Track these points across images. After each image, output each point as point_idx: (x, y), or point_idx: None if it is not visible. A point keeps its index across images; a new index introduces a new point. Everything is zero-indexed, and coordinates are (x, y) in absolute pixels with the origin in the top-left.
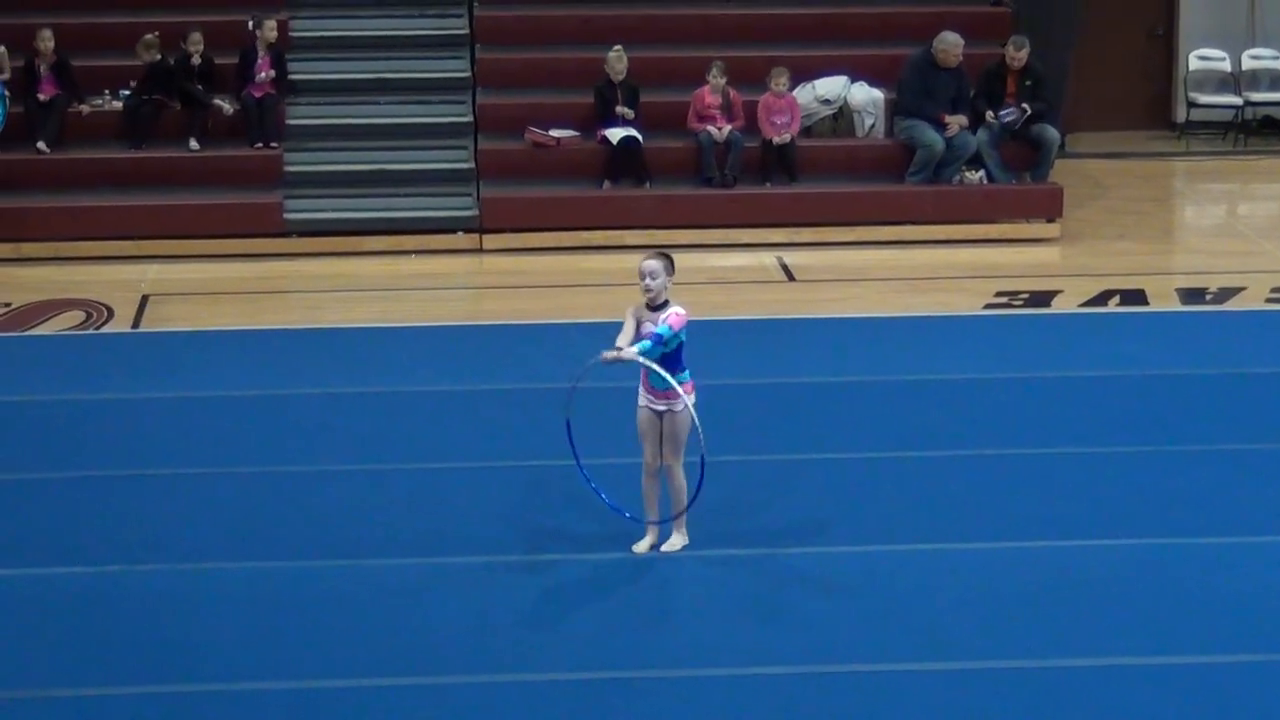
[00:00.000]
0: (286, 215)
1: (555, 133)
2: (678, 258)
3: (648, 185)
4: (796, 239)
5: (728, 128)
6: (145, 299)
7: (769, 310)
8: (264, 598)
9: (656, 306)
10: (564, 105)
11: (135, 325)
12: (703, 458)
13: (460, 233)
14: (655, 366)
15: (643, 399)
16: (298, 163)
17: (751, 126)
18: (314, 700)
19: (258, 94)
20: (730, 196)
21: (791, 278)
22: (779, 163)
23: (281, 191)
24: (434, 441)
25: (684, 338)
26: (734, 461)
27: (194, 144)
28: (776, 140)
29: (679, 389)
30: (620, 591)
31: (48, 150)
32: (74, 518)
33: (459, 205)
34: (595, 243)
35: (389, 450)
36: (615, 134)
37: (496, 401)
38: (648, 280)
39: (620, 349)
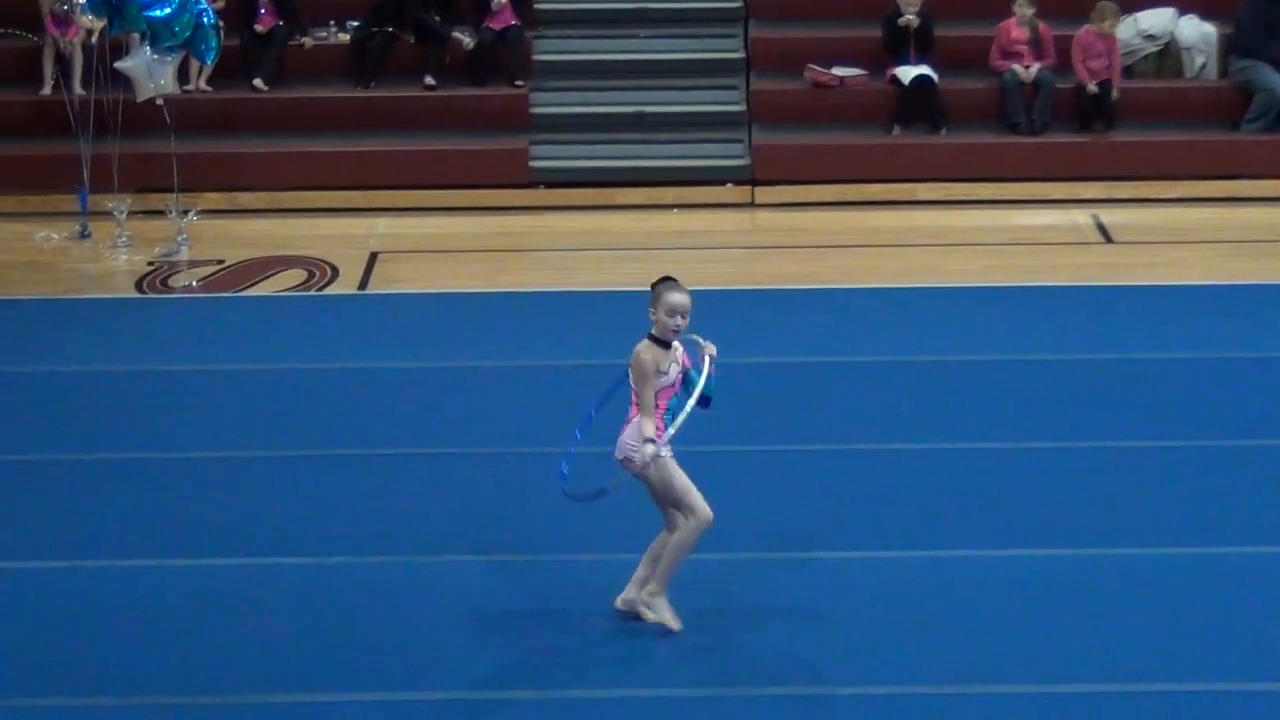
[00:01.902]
0: (533, 163)
1: (838, 71)
2: (977, 214)
3: (943, 132)
4: (1114, 195)
5: (1036, 66)
6: (374, 256)
7: (1083, 276)
8: (499, 591)
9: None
10: (849, 40)
11: (362, 286)
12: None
13: (729, 184)
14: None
15: (666, 450)
16: (546, 104)
17: (1063, 65)
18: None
19: (498, 26)
20: (1038, 145)
21: (1109, 239)
22: (1095, 107)
23: (527, 136)
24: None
25: None
26: (1042, 449)
27: (429, 81)
28: (1093, 84)
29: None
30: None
31: (266, 88)
32: (293, 502)
33: (728, 153)
34: (882, 196)
35: None
36: (906, 73)
37: (769, 375)
38: (680, 319)
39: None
